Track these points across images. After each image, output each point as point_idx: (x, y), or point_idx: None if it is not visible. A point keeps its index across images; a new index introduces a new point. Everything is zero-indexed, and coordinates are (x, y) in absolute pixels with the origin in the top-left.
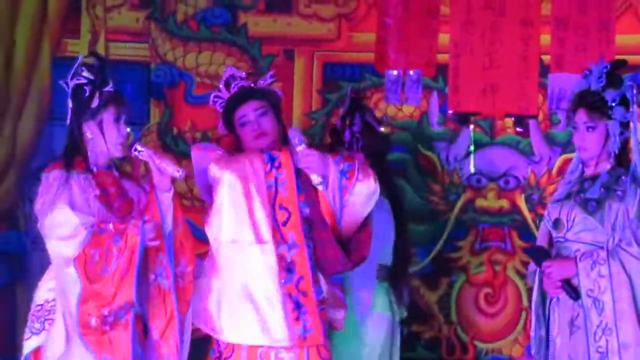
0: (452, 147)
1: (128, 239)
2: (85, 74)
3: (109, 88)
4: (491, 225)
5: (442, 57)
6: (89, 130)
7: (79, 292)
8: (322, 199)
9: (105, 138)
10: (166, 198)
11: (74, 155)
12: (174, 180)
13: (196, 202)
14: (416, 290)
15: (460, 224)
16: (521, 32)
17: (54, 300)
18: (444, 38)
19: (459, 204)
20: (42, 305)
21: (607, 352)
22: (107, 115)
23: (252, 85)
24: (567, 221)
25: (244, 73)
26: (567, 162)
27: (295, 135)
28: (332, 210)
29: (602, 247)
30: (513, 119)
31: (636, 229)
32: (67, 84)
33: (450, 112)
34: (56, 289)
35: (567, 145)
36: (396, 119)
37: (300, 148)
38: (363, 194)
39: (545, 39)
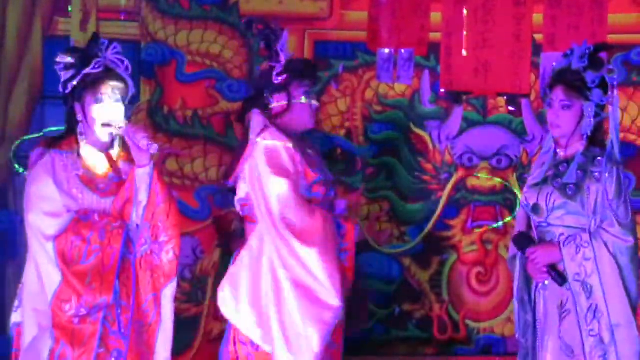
0: (444, 126)
1: (112, 238)
2: (59, 58)
3: (90, 69)
4: (483, 204)
5: (434, 36)
6: (79, 113)
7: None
8: None
9: (87, 120)
10: (141, 172)
11: (67, 136)
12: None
13: (186, 181)
14: (407, 269)
15: (452, 202)
16: (514, 11)
17: None
18: (436, 17)
19: (451, 183)
20: (23, 282)
21: (600, 334)
22: (88, 98)
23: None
24: (547, 206)
25: None
26: None
27: None
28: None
29: (584, 230)
30: (505, 98)
31: (617, 209)
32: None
33: (442, 91)
34: (28, 265)
35: None
36: (388, 98)
37: None
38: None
39: (538, 17)
